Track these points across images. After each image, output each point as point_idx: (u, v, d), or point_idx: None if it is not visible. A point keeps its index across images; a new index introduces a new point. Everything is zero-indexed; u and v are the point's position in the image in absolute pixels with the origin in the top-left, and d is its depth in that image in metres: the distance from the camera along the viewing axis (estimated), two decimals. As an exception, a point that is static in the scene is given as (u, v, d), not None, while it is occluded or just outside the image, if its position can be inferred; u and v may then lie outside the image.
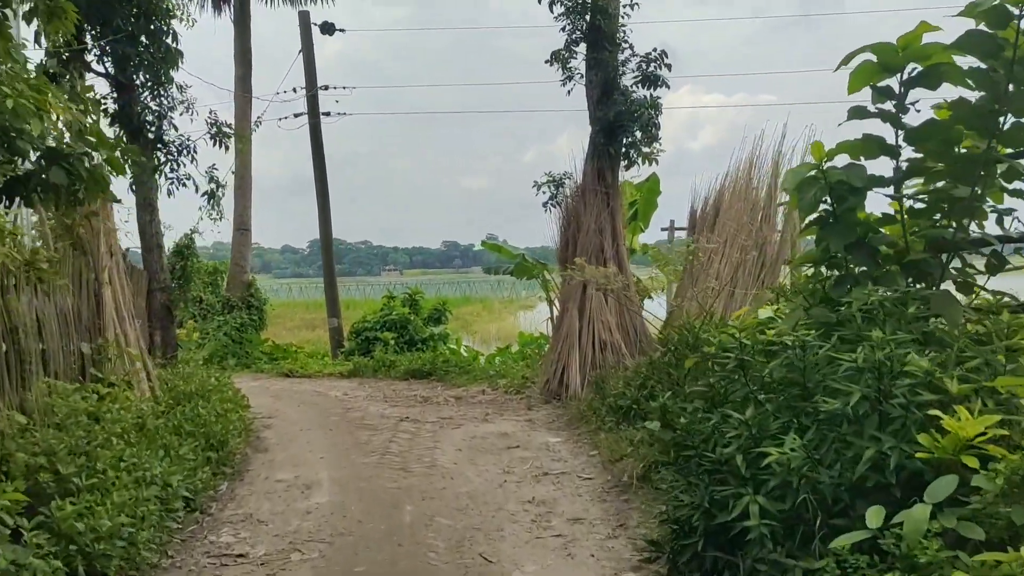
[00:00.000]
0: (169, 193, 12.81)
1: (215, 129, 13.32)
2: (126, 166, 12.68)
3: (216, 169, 13.34)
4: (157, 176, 12.83)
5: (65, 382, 7.13)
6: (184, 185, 12.93)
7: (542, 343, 17.92)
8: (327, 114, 20.70)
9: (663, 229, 15.33)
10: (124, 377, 8.59)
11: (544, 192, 12.54)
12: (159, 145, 12.88)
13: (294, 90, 20.70)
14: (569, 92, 12.57)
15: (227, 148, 13.31)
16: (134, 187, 12.55)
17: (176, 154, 12.92)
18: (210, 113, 13.37)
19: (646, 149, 12.00)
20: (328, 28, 21.18)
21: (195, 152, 13.15)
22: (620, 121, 11.78)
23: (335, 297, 20.47)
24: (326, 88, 20.72)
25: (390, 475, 8.18)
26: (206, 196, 13.28)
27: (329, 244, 20.30)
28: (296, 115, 20.93)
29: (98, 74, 12.24)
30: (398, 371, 15.80)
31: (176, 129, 13.03)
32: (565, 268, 12.40)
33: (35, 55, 10.50)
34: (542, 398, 11.89)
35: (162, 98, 12.94)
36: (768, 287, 10.08)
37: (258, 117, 21.91)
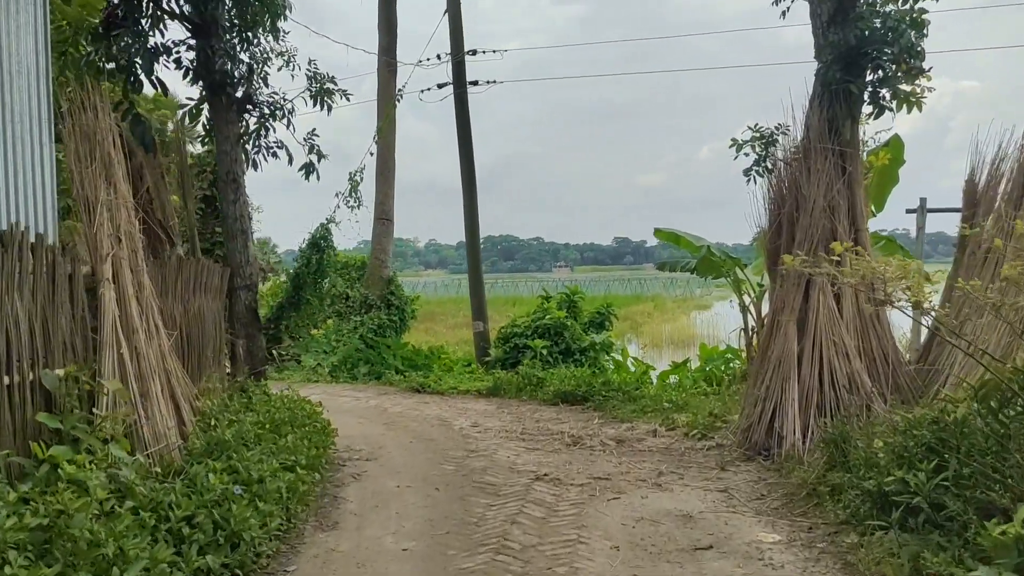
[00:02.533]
0: (255, 165, 10.16)
1: (317, 86, 10.55)
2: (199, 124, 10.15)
3: (316, 136, 10.55)
4: (247, 143, 10.21)
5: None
6: (275, 155, 10.26)
7: (730, 359, 14.11)
8: (474, 83, 17.74)
9: (908, 211, 11.13)
10: (120, 417, 5.77)
11: (746, 154, 8.82)
12: (247, 106, 10.27)
13: (438, 56, 17.87)
14: (784, 12, 8.82)
15: (329, 108, 10.49)
16: (216, 158, 10.00)
17: (269, 116, 10.25)
18: (310, 64, 10.62)
19: (905, 87, 8.04)
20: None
21: (291, 113, 10.46)
22: (866, 46, 7.91)
23: (481, 297, 17.46)
24: (473, 52, 17.76)
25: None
26: (305, 170, 10.50)
27: (475, 232, 17.30)
28: (440, 85, 18.12)
29: (171, 15, 9.73)
30: (546, 393, 12.53)
31: (267, 86, 10.40)
32: (775, 262, 8.68)
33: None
34: (741, 452, 8.22)
35: (253, 47, 10.31)
36: None
37: (400, 88, 19.35)
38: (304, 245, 19.91)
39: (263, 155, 10.04)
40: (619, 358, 17.09)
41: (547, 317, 16.40)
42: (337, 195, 19.63)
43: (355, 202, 19.57)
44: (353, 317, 19.26)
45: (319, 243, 19.71)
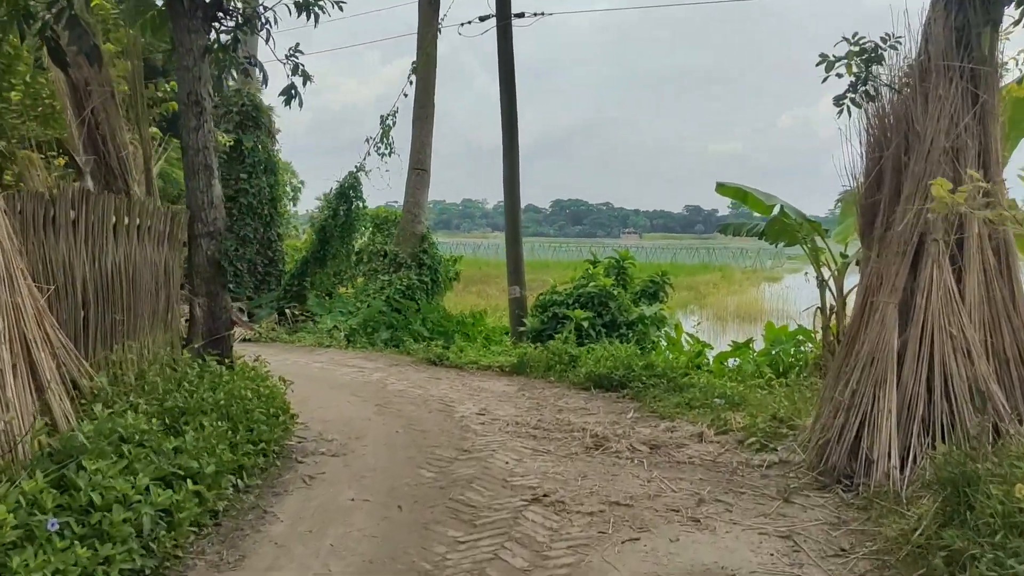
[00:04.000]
0: (219, 86, 8.32)
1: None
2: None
3: (300, 53, 8.61)
4: (215, 60, 8.37)
5: None
6: (245, 73, 8.41)
7: (801, 342, 11.89)
8: (520, 15, 15.58)
9: (1043, 167, 8.68)
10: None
11: (839, 75, 6.54)
12: (217, 13, 8.41)
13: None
14: None
15: (316, 18, 8.55)
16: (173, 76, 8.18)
17: (242, 28, 8.39)
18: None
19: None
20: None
21: (270, 25, 8.54)
22: (1019, -80, 5.58)
23: (518, 258, 15.44)
24: (519, -22, 15.56)
25: None
26: (286, 96, 8.61)
27: (514, 185, 15.21)
28: (481, 18, 15.99)
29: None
30: (578, 374, 10.55)
31: (240, -9, 8.52)
32: (871, 223, 6.49)
33: None
34: (812, 476, 6.12)
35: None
36: None
37: (440, 19, 17.33)
38: (332, 194, 18.25)
39: (232, 73, 8.17)
40: (672, 333, 14.99)
41: (591, 284, 14.33)
42: (367, 140, 17.87)
43: (386, 149, 17.77)
44: (381, 276, 17.49)
45: (347, 193, 18.00)
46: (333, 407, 8.97)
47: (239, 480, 5.76)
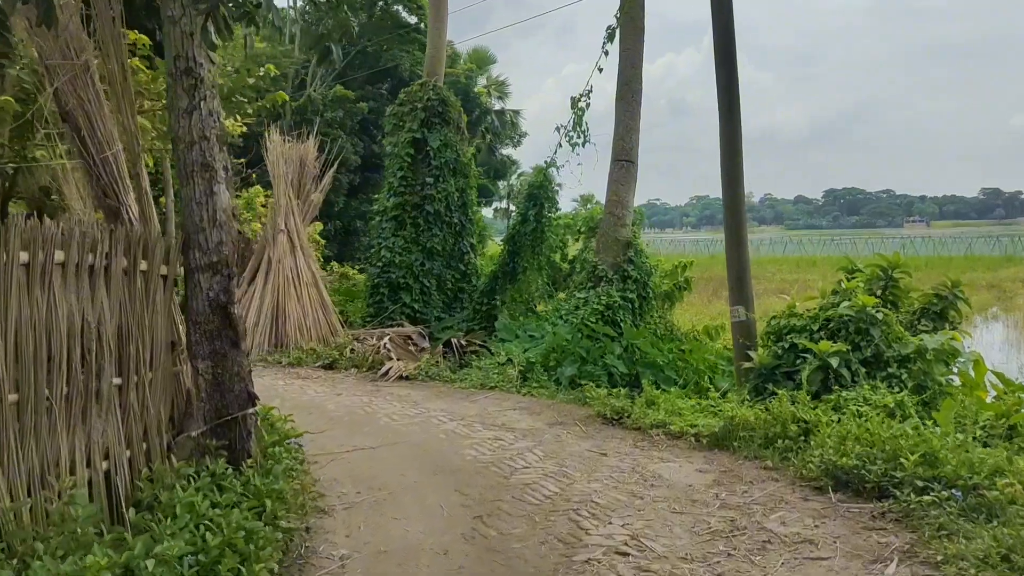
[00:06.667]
0: (209, 44, 5.61)
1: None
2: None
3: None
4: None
5: None
6: (250, 21, 5.65)
7: None
8: (738, -49, 11.69)
9: None
10: None
11: None
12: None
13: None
14: None
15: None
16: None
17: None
18: None
19: None
20: None
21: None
22: None
23: (742, 268, 11.44)
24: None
25: None
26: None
27: (735, 174, 11.24)
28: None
29: None
30: (809, 460, 6.72)
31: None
32: None
33: None
34: None
35: None
36: None
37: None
38: (520, 197, 15.44)
39: (226, 21, 5.46)
40: (970, 371, 10.38)
41: (844, 304, 10.18)
42: (558, 128, 14.79)
43: (579, 137, 14.58)
44: (578, 294, 14.36)
45: (536, 194, 15.07)
46: (412, 519, 5.98)
47: None
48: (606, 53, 14.09)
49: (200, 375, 5.52)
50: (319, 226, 24.35)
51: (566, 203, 62.59)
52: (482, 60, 49.37)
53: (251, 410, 5.68)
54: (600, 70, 14.19)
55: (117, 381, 4.94)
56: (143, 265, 5.16)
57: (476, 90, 44.26)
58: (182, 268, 5.57)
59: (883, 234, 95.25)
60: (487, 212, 49.70)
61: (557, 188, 15.92)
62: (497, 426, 8.95)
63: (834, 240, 75.03)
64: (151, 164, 8.23)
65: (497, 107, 48.94)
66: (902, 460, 6.04)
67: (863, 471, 6.16)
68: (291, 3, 37.14)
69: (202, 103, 5.51)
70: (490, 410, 9.87)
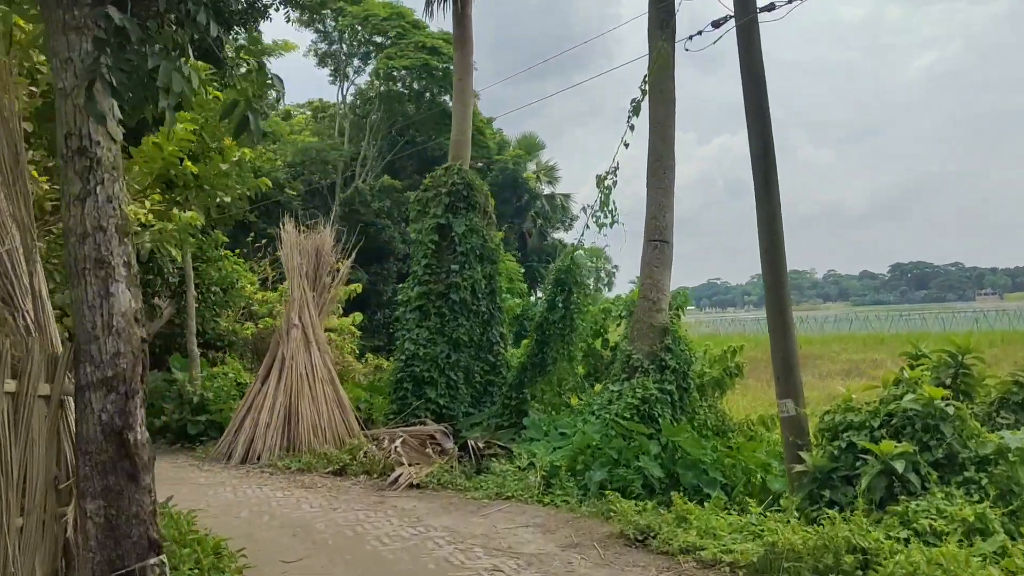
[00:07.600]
0: (102, 115, 4.75)
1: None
2: None
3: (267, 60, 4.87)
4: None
5: None
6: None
7: None
8: (770, 7, 10.77)
9: None
10: None
11: None
12: None
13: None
14: None
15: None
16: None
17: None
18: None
19: None
20: None
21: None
22: None
23: (789, 355, 10.10)
24: (763, -42, 10.77)
25: None
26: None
27: (776, 248, 10.05)
28: (715, 23, 11.39)
29: None
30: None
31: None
32: None
33: None
34: None
35: None
36: None
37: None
38: (547, 283, 14.42)
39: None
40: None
41: (908, 398, 8.75)
42: (584, 209, 13.85)
43: (606, 217, 13.54)
44: (611, 387, 13.10)
45: (563, 279, 14.02)
46: None
47: None
48: (631, 128, 13.13)
49: (89, 518, 4.48)
50: (357, 317, 23.67)
51: (623, 286, 61.24)
52: (531, 146, 49.57)
53: (152, 560, 4.59)
54: (626, 145, 13.21)
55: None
56: (10, 386, 4.21)
57: (524, 175, 44.12)
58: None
59: (954, 308, 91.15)
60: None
61: (608, 269, 14.89)
62: (501, 551, 7.68)
63: (903, 316, 71.78)
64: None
65: (547, 191, 48.75)
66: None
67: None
68: (341, 98, 37.70)
69: (98, 188, 4.63)
70: (499, 528, 8.61)
